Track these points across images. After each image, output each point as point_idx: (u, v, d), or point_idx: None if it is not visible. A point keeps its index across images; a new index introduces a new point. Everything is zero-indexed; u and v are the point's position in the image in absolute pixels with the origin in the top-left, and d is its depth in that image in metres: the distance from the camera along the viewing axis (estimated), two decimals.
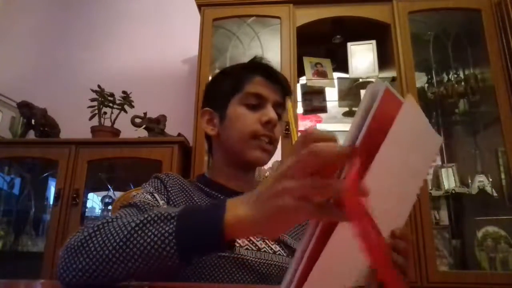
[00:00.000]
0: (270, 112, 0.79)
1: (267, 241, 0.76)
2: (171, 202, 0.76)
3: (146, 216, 0.48)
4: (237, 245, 0.73)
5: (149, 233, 0.46)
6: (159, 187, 0.78)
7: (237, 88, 0.82)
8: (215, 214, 0.44)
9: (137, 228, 0.47)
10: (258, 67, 0.85)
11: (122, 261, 0.46)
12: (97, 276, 0.48)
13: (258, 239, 0.75)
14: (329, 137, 0.38)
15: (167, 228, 0.45)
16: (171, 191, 0.77)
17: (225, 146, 0.83)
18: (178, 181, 0.81)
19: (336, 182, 0.36)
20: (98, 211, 2.09)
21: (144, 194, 0.75)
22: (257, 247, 0.74)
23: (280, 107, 0.83)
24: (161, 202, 0.74)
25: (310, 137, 0.38)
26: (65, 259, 0.50)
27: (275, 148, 0.83)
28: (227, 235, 0.43)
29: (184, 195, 0.78)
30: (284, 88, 0.85)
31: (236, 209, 0.44)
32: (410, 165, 0.44)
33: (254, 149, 0.79)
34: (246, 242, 0.74)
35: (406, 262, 0.58)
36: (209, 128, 0.86)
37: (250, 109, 0.80)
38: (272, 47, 1.93)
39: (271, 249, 0.76)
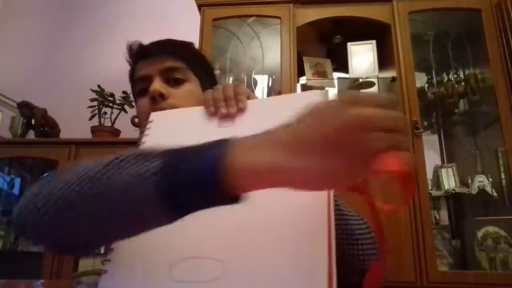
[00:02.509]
0: (152, 87, 0.73)
1: None
2: None
3: (120, 154, 0.38)
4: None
5: (125, 171, 0.36)
6: None
7: (133, 85, 0.82)
8: (215, 152, 0.34)
9: (109, 167, 0.37)
10: (134, 56, 0.82)
11: (88, 202, 0.36)
12: (57, 220, 0.38)
13: None
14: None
15: (150, 165, 0.35)
16: None
17: None
18: None
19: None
20: None
21: None
22: None
23: (175, 71, 0.77)
24: None
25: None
26: (20, 207, 0.41)
27: None
28: (230, 181, 0.33)
29: None
30: (170, 50, 0.79)
31: (254, 153, 0.33)
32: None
33: None
34: None
35: None
36: None
37: (142, 96, 0.77)
38: (272, 47, 1.93)
39: None
